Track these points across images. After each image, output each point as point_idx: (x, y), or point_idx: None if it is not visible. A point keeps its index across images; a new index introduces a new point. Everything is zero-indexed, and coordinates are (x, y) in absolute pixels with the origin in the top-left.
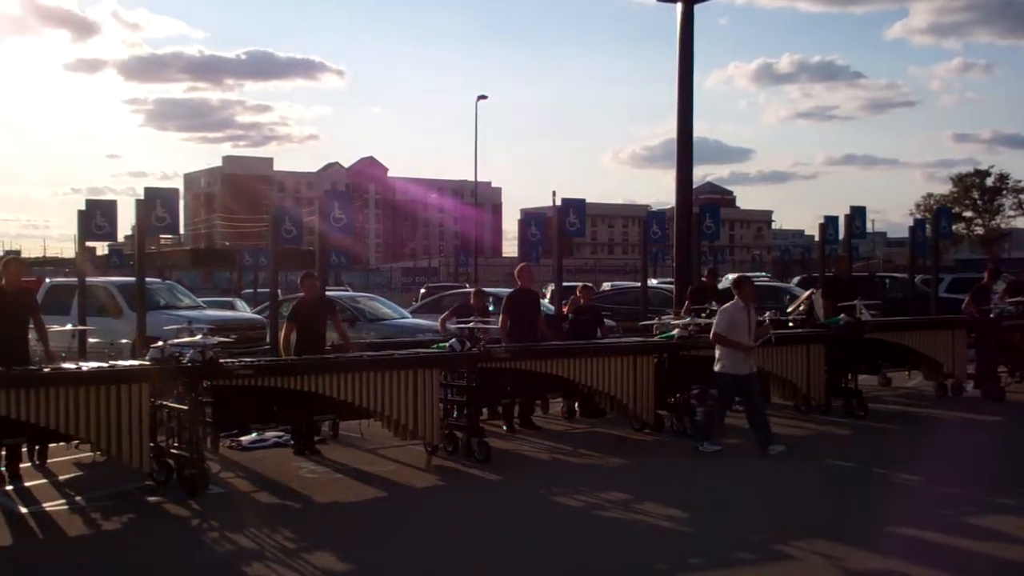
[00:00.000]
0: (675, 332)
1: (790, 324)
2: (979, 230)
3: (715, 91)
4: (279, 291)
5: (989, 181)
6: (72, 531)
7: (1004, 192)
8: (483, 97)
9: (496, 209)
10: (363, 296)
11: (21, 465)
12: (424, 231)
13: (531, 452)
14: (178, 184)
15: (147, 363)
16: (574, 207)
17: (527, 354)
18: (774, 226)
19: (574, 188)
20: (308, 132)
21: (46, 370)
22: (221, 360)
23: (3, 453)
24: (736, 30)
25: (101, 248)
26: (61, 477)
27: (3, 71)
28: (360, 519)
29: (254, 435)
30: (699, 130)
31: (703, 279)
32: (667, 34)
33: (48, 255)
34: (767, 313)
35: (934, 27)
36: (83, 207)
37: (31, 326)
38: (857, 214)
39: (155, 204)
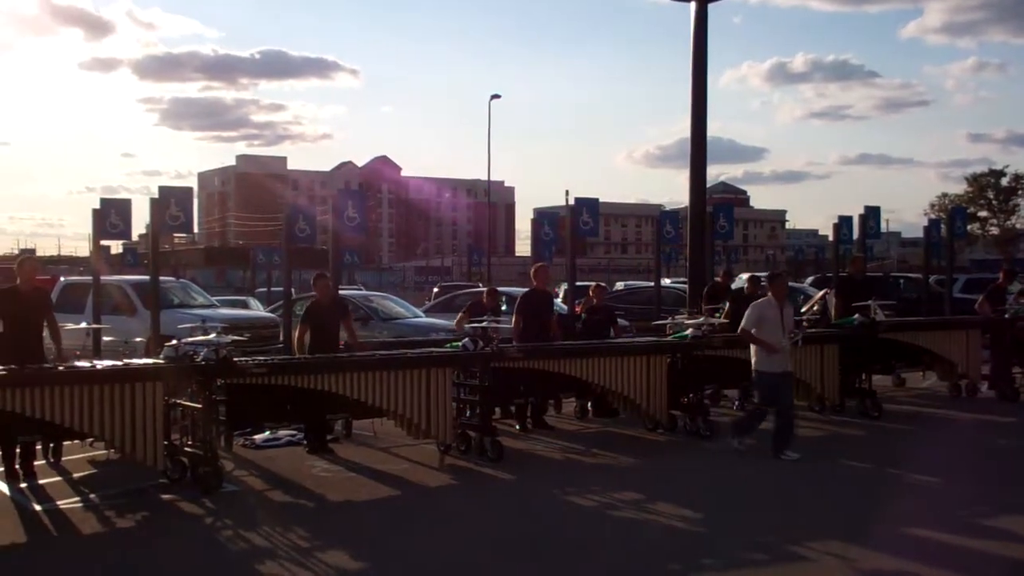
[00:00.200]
0: (688, 332)
1: (804, 324)
2: (994, 230)
3: (729, 90)
4: (292, 290)
5: (1004, 181)
6: (86, 529)
7: (1019, 192)
8: (496, 96)
9: (509, 208)
10: (376, 295)
11: (36, 463)
12: (437, 230)
13: (544, 452)
14: (192, 183)
15: (161, 361)
16: (587, 206)
17: (540, 353)
18: (788, 226)
19: (587, 187)
20: (322, 131)
21: (61, 368)
22: (235, 359)
23: (18, 451)
24: (750, 29)
25: (115, 247)
26: (75, 475)
27: (19, 71)
28: (373, 518)
29: (267, 434)
30: (713, 129)
31: (717, 279)
32: (681, 33)
33: (63, 254)
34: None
35: (948, 26)
36: (98, 206)
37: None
38: (871, 214)
39: (169, 203)
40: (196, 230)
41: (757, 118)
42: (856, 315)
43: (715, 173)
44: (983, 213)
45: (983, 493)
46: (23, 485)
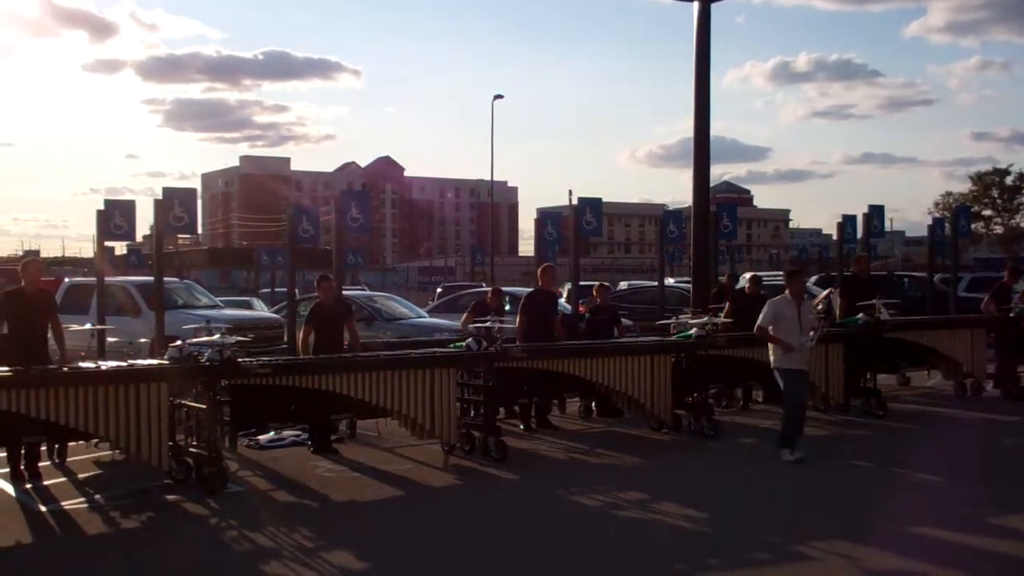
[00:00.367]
0: (692, 331)
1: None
2: (998, 229)
3: (732, 90)
4: (296, 290)
5: (1009, 180)
6: (91, 529)
7: None
8: (499, 96)
9: (512, 208)
10: (380, 295)
11: (41, 463)
12: (440, 230)
13: (548, 452)
14: (196, 184)
15: (166, 362)
16: (591, 206)
17: (544, 353)
18: (791, 225)
19: (591, 187)
20: (325, 132)
21: (65, 369)
22: (239, 359)
23: (22, 452)
24: (753, 29)
25: (120, 248)
26: (80, 475)
27: (23, 72)
28: (377, 518)
29: (272, 434)
30: (716, 129)
31: (721, 280)
32: (683, 33)
33: (67, 255)
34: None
35: (952, 25)
36: (102, 207)
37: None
38: (875, 213)
39: (173, 204)
40: (200, 231)
41: (760, 117)
42: (860, 314)
43: (719, 172)
44: (987, 212)
45: (988, 492)
46: (28, 486)
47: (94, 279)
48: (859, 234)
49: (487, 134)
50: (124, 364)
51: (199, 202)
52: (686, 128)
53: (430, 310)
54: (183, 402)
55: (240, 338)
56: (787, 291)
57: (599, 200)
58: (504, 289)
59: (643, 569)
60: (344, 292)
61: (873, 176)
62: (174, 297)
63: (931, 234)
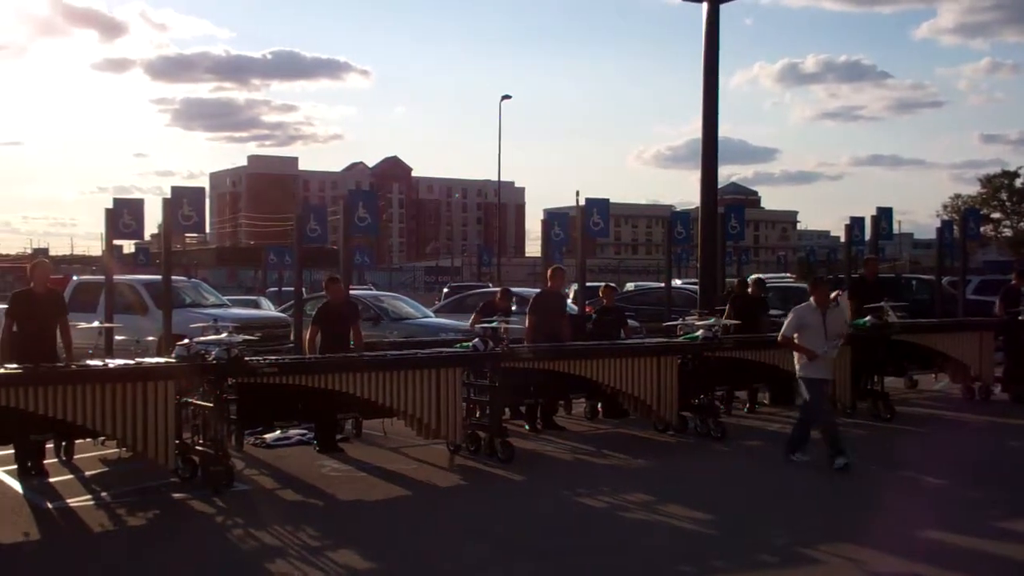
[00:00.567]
0: (699, 333)
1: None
2: (1008, 232)
3: (740, 91)
4: (303, 290)
5: (1018, 182)
6: (97, 527)
7: None
8: (507, 97)
9: (519, 209)
10: (387, 295)
11: (48, 461)
12: (447, 230)
13: (554, 452)
14: (204, 183)
15: (173, 361)
16: (598, 207)
17: (550, 354)
18: (799, 227)
19: (598, 188)
20: (333, 132)
21: (73, 367)
22: (246, 358)
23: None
24: (761, 30)
25: (128, 246)
26: (87, 473)
27: (33, 71)
28: (383, 517)
29: (278, 433)
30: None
31: (733, 282)
32: (692, 34)
33: (75, 253)
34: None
35: (961, 27)
36: (110, 206)
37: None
38: (883, 215)
39: (181, 203)
40: (208, 230)
41: (768, 119)
42: (868, 317)
43: (726, 174)
44: (996, 214)
45: (995, 496)
46: (34, 483)
47: (102, 277)
48: (867, 236)
49: (495, 134)
50: (131, 362)
51: (207, 201)
52: (693, 129)
53: (436, 310)
54: (190, 400)
55: (247, 337)
56: (811, 299)
57: (606, 201)
58: (513, 290)
59: (648, 571)
60: (351, 291)
61: (882, 178)
62: (182, 296)
63: (939, 237)
